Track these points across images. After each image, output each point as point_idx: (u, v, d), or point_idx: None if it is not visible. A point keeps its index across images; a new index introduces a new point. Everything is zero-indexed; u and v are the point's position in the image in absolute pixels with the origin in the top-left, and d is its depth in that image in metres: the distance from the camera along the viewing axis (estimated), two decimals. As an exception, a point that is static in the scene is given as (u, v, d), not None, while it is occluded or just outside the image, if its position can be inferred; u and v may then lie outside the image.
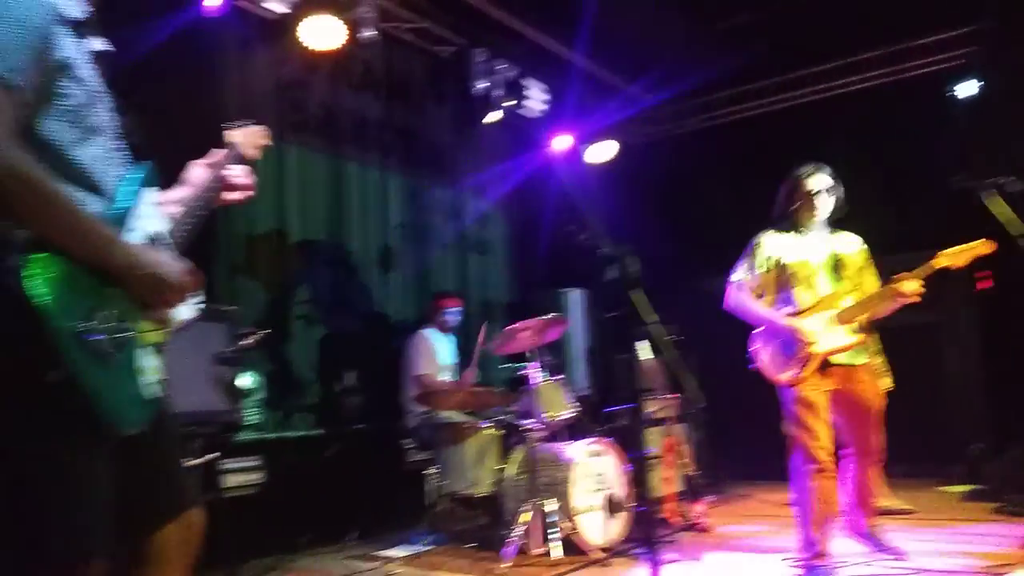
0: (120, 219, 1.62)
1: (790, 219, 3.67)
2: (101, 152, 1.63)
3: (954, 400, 4.91)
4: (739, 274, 3.70)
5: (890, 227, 6.11)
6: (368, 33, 5.63)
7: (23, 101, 1.42)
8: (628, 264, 2.29)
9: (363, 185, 6.18)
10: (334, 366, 5.68)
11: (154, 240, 1.69)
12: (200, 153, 2.24)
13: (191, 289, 1.67)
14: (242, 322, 3.98)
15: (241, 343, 3.44)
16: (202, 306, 1.77)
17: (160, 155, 2.20)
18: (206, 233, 5.01)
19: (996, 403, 6.26)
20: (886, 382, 3.67)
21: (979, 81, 6.43)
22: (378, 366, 5.90)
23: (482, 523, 4.80)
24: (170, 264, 1.63)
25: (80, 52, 1.60)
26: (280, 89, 5.66)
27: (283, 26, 5.41)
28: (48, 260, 1.40)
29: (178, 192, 1.95)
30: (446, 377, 5.59)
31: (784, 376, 3.49)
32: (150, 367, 1.60)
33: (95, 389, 1.42)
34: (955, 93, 6.53)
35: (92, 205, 1.56)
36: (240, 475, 4.28)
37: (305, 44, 5.44)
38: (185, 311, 1.73)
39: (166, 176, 2.05)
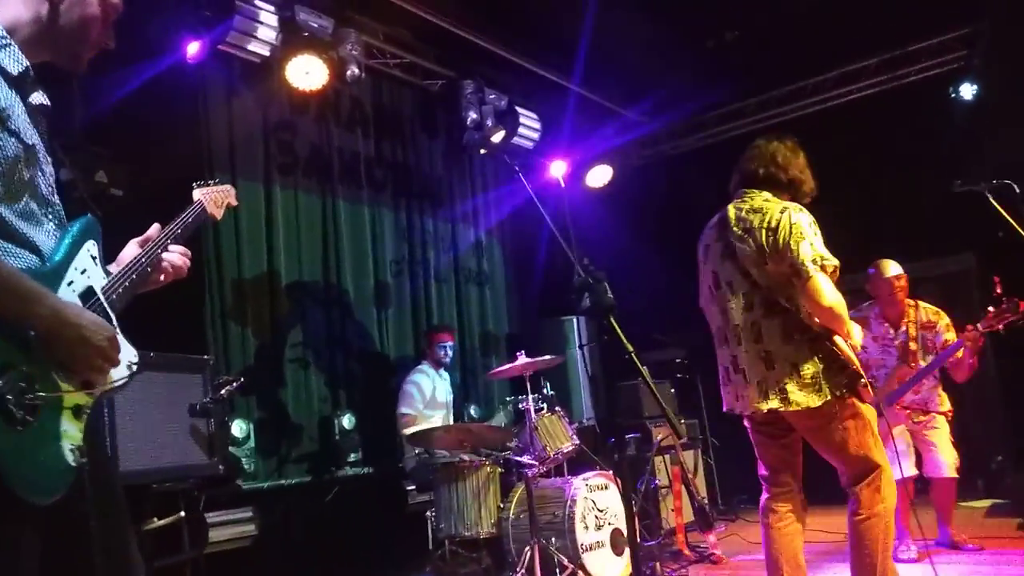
0: (52, 275, 1.54)
1: None
2: (30, 207, 1.55)
3: (972, 415, 4.75)
4: None
5: (891, 235, 6.00)
6: (354, 71, 5.60)
7: None
8: (602, 291, 2.17)
9: (354, 223, 6.12)
10: (330, 409, 5.57)
11: (88, 297, 1.60)
12: (183, 200, 2.18)
13: (114, 355, 1.56)
14: (219, 371, 3.89)
15: (218, 393, 3.34)
16: (135, 368, 1.67)
17: (140, 203, 2.11)
18: (194, 279, 4.97)
19: (1013, 416, 6.08)
20: None
21: (974, 84, 6.32)
22: (376, 407, 5.79)
23: (485, 565, 4.64)
24: (96, 325, 1.53)
25: (16, 104, 1.54)
26: (267, 131, 5.63)
27: (267, 68, 5.38)
28: None
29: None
30: (440, 414, 5.47)
31: None
32: (70, 432, 1.49)
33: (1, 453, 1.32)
34: (959, 95, 6.40)
35: (20, 260, 1.48)
36: (231, 528, 4.16)
37: (291, 84, 5.41)
38: (116, 373, 1.62)
39: (147, 223, 1.94)
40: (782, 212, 2.88)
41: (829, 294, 2.79)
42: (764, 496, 3.14)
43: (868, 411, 2.90)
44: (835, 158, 6.83)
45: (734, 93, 7.56)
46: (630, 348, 2.21)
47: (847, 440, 2.87)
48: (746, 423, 3.17)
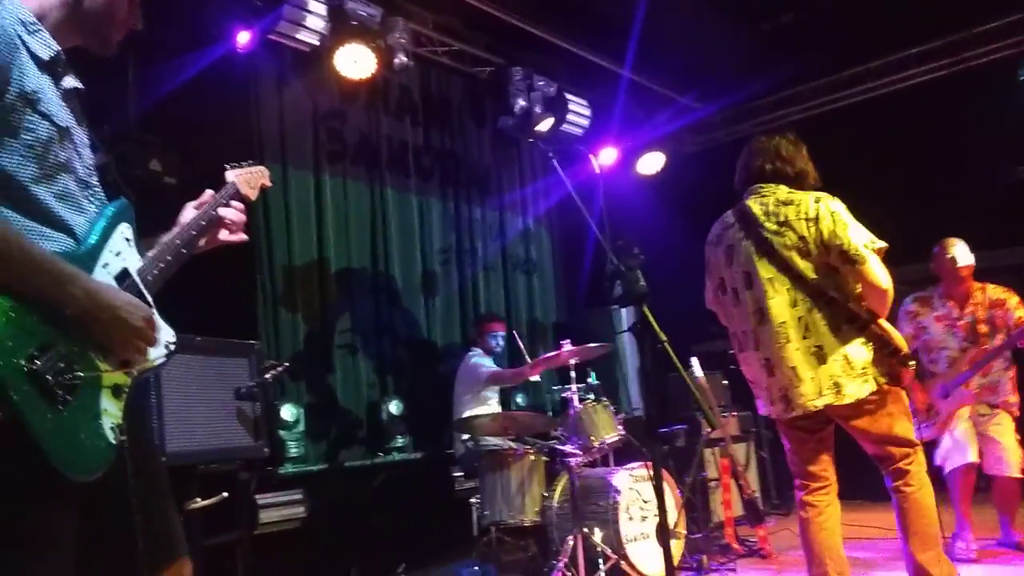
0: (87, 257, 1.56)
1: None
2: (68, 189, 1.57)
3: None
4: None
5: (956, 223, 5.74)
6: (402, 59, 5.61)
7: None
8: (634, 279, 2.11)
9: (403, 211, 6.14)
10: (377, 395, 5.62)
11: (123, 278, 1.63)
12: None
13: (150, 335, 1.59)
14: (267, 356, 3.94)
15: (263, 377, 3.39)
16: (173, 349, 1.69)
17: (191, 191, 2.15)
18: (245, 266, 5.02)
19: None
20: None
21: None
22: (425, 393, 5.82)
23: (531, 553, 4.64)
24: (132, 306, 1.55)
25: (48, 88, 1.56)
26: (316, 119, 5.68)
27: (317, 57, 5.42)
28: None
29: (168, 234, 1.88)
30: (496, 398, 5.47)
31: None
32: (110, 410, 1.52)
33: (41, 432, 1.34)
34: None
35: (55, 243, 1.51)
36: (281, 509, 4.23)
37: (340, 73, 5.45)
38: (154, 352, 1.65)
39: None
40: (817, 202, 2.88)
41: (884, 277, 2.79)
42: (800, 492, 3.13)
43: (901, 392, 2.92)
44: (896, 145, 6.62)
45: (790, 78, 7.35)
46: (663, 337, 2.16)
47: (892, 425, 2.88)
48: (778, 423, 3.13)
